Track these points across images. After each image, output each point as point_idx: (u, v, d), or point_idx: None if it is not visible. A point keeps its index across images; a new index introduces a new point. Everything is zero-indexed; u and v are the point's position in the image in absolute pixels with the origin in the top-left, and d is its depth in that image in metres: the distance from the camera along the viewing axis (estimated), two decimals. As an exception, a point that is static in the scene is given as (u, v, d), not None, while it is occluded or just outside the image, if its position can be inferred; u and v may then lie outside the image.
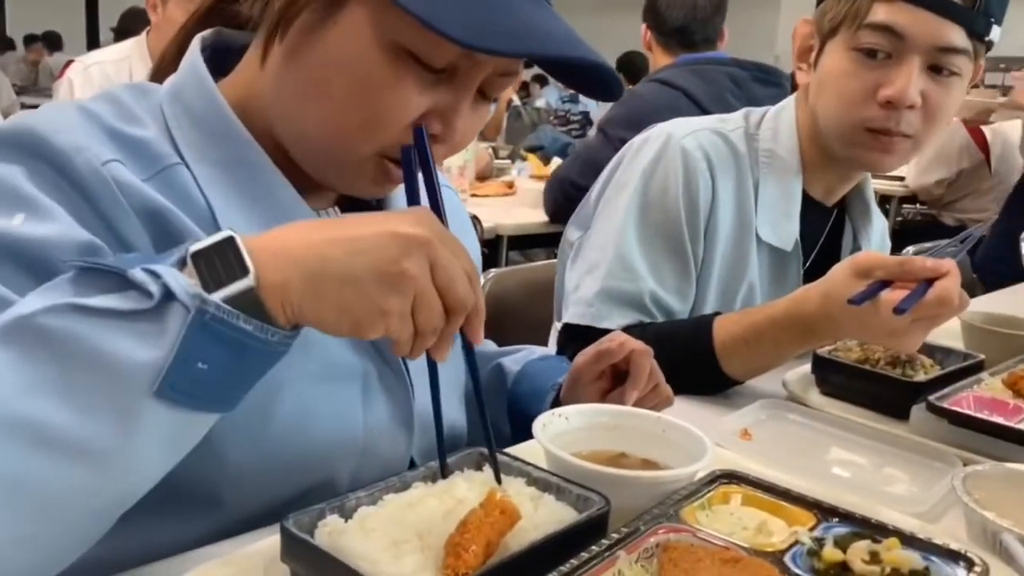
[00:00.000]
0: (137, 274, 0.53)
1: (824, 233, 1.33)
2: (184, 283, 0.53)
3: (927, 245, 2.24)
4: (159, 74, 0.83)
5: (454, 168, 2.80)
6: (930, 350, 1.18)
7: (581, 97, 6.65)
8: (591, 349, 0.93)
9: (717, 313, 1.16)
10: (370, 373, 0.80)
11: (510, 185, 3.25)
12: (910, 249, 2.14)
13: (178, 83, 0.78)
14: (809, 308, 1.04)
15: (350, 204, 0.86)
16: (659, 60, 2.50)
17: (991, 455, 0.91)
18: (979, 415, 0.97)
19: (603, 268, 1.23)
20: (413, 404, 0.84)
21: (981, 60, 1.16)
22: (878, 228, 1.39)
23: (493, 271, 1.55)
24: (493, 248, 2.65)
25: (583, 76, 0.74)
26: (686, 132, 1.26)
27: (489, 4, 0.67)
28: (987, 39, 1.12)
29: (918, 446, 0.95)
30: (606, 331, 1.15)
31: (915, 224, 4.26)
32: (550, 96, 6.59)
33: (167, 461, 0.58)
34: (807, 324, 1.05)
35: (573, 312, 1.25)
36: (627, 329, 1.15)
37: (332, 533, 0.60)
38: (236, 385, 0.58)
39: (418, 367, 0.84)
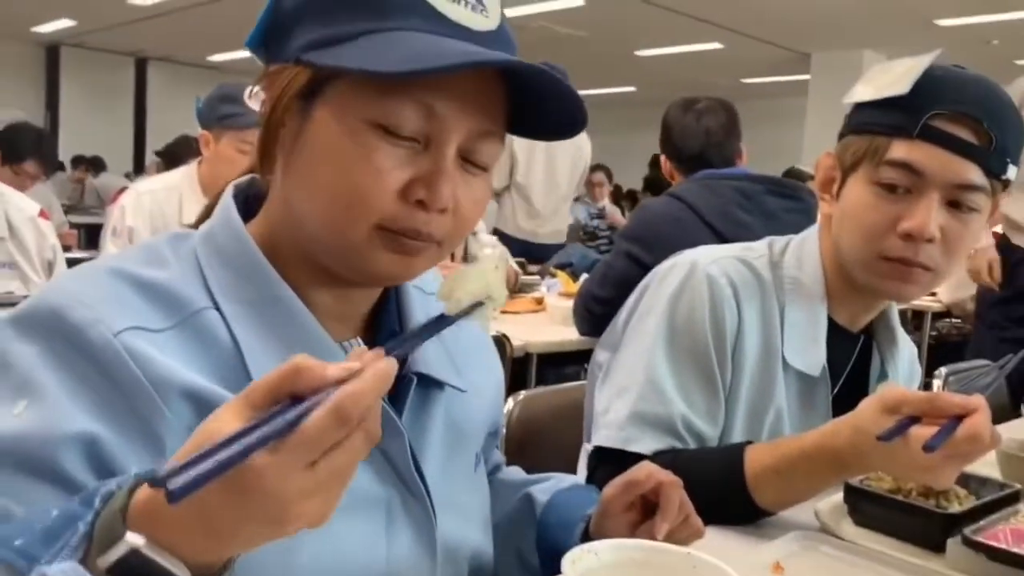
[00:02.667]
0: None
1: (852, 360, 1.33)
2: None
3: (962, 366, 2.22)
4: (203, 220, 0.88)
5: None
6: (965, 479, 1.16)
7: (606, 212, 6.77)
8: (619, 480, 0.94)
9: (749, 442, 1.17)
10: (394, 501, 0.82)
11: (539, 301, 3.28)
12: (943, 370, 2.12)
13: (211, 226, 0.83)
14: (840, 442, 1.04)
15: (374, 332, 0.88)
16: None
17: (1031, 592, 0.89)
18: (1017, 550, 0.95)
19: (634, 391, 1.24)
20: (436, 531, 0.84)
21: (1000, 195, 1.19)
22: (906, 355, 1.40)
23: (522, 393, 1.56)
24: (523, 366, 2.66)
25: (551, 112, 0.78)
26: (711, 259, 1.29)
27: (416, 45, 0.71)
28: (1004, 177, 1.16)
29: (955, 582, 0.94)
30: (637, 455, 1.18)
31: (951, 340, 4.22)
32: (579, 213, 6.72)
33: None
34: (838, 458, 1.05)
35: (604, 435, 1.26)
36: (657, 457, 1.16)
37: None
38: None
39: (441, 495, 0.86)
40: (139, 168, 11.43)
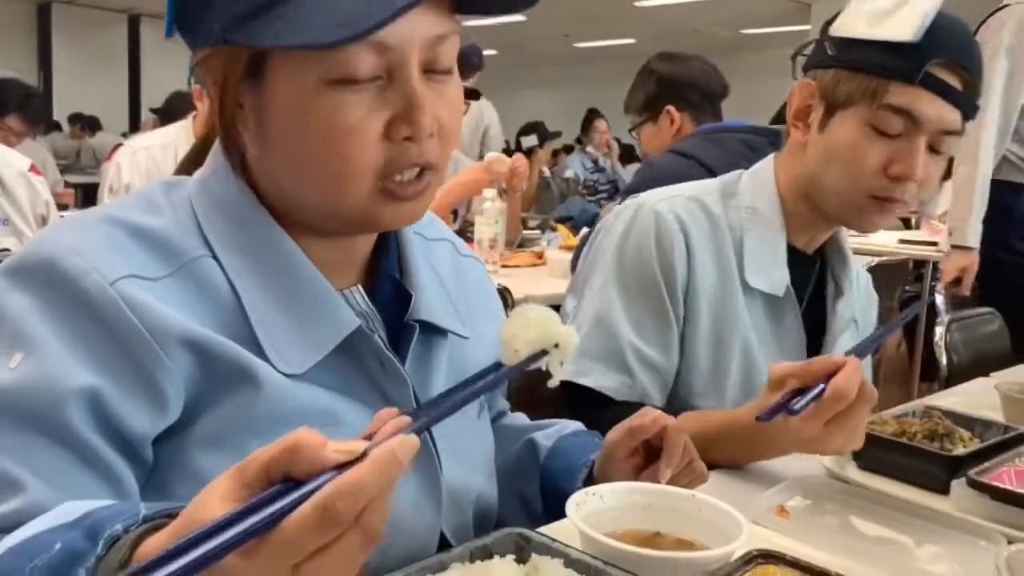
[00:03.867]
0: None
1: (811, 283, 1.37)
2: None
3: (965, 313, 2.22)
4: (185, 168, 0.87)
5: (484, 241, 2.84)
6: (969, 422, 1.17)
7: (608, 167, 6.73)
8: (623, 425, 0.93)
9: (686, 409, 1.21)
10: None
11: (540, 255, 3.28)
12: (946, 318, 2.11)
13: (204, 174, 0.81)
14: (746, 421, 1.05)
15: (376, 279, 0.87)
16: (670, 143, 2.57)
17: (1035, 532, 0.89)
18: (1022, 491, 0.95)
19: (584, 328, 1.29)
20: (441, 479, 0.84)
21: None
22: (862, 280, 1.44)
23: (524, 344, 1.56)
24: (524, 319, 2.66)
25: None
26: (659, 198, 1.33)
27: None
28: (971, 119, 1.21)
29: (960, 523, 0.94)
30: (595, 392, 1.24)
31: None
32: (576, 166, 6.68)
33: None
34: (746, 436, 1.08)
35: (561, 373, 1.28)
36: (606, 411, 1.19)
37: (369, 616, 0.60)
38: None
39: (446, 441, 0.85)
40: (135, 126, 11.31)
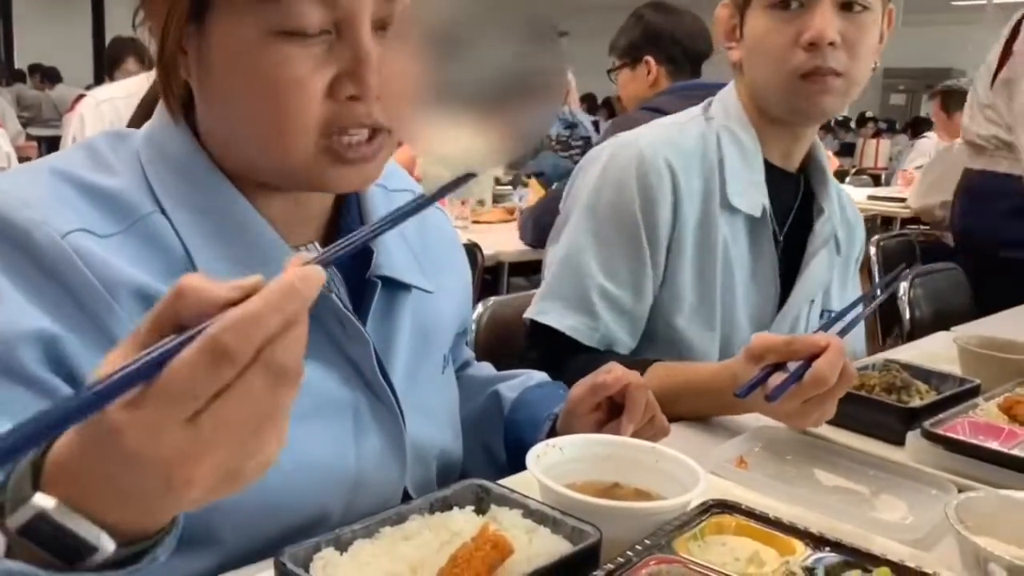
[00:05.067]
0: None
1: (796, 203, 1.37)
2: None
3: (928, 268, 2.24)
4: (138, 120, 0.85)
5: (455, 197, 2.82)
6: (926, 375, 1.19)
7: (581, 121, 6.67)
8: (586, 381, 0.94)
9: (657, 359, 1.20)
10: (361, 406, 0.81)
11: (511, 211, 3.27)
12: (908, 272, 2.13)
13: (153, 128, 0.79)
14: (722, 385, 1.05)
15: (334, 235, 0.86)
16: (647, 95, 2.55)
17: (987, 481, 0.92)
18: (974, 441, 0.97)
19: (553, 268, 1.30)
20: (405, 435, 0.84)
21: (888, 2, 1.26)
22: (845, 201, 1.45)
23: (492, 299, 1.56)
24: (495, 275, 2.66)
25: None
26: (641, 137, 1.32)
27: None
28: None
29: (914, 472, 0.96)
30: (554, 331, 1.25)
31: (921, 245, 4.27)
32: (552, 121, 6.63)
33: None
34: (720, 399, 1.08)
35: (528, 310, 1.31)
36: (572, 358, 1.21)
37: (327, 566, 0.61)
38: None
39: (408, 399, 0.86)
40: (99, 78, 11.07)
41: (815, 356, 0.95)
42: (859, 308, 1.19)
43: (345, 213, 0.87)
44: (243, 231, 0.77)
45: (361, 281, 0.85)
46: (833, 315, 1.15)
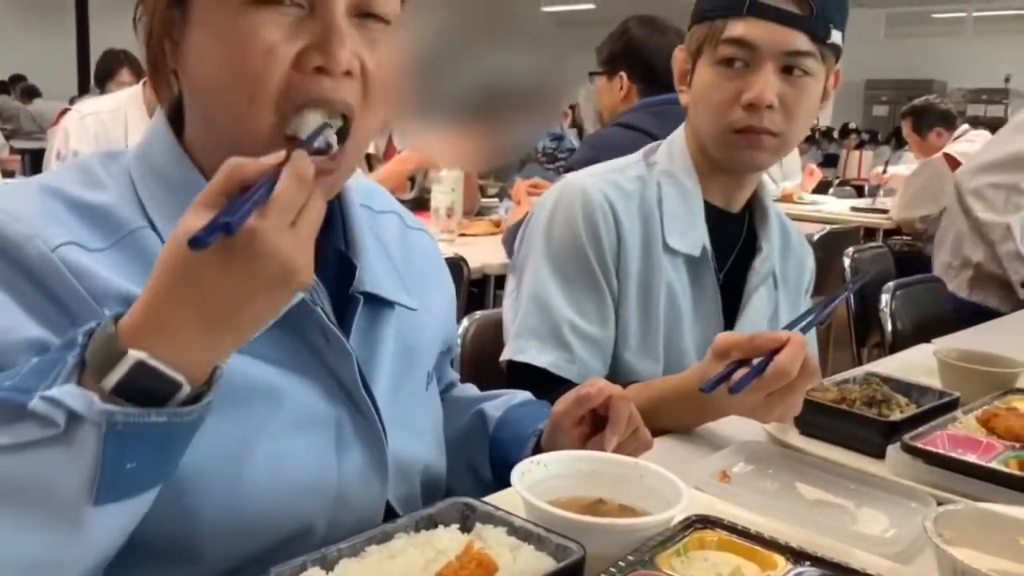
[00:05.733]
0: (38, 406, 0.56)
1: (740, 239, 1.41)
2: (87, 401, 0.57)
3: (909, 280, 2.27)
4: None
5: (441, 209, 2.83)
6: (906, 388, 1.21)
7: (567, 135, 6.71)
8: (570, 395, 0.95)
9: (633, 382, 1.22)
10: (343, 421, 0.82)
11: (497, 224, 3.27)
12: (890, 284, 2.16)
13: (144, 145, 0.81)
14: (691, 386, 1.08)
15: (320, 252, 0.86)
16: (619, 108, 2.56)
17: (965, 494, 0.93)
18: (952, 454, 0.99)
19: (522, 307, 1.33)
20: (387, 450, 0.85)
21: (833, 64, 1.30)
22: (793, 239, 1.48)
23: (478, 314, 1.57)
24: (481, 287, 2.67)
25: None
26: (584, 176, 1.37)
27: None
28: (829, 42, 1.26)
29: (894, 486, 0.97)
30: (536, 368, 1.26)
31: (901, 256, 4.31)
32: (537, 133, 6.66)
33: (127, 531, 0.62)
34: (692, 401, 1.10)
35: (504, 351, 1.34)
36: (549, 385, 1.22)
37: (313, 586, 0.61)
38: (169, 461, 0.62)
39: (391, 414, 0.86)
40: (84, 90, 11.02)
41: (777, 351, 0.99)
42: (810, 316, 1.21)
43: (329, 231, 0.88)
44: None
45: (345, 297, 0.86)
46: (787, 324, 1.17)
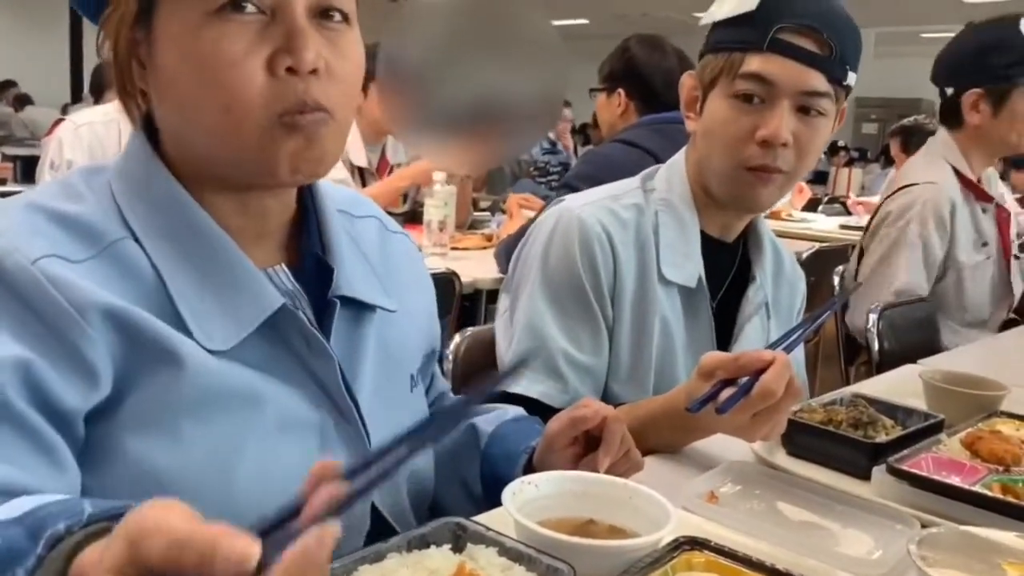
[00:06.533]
0: None
1: (733, 270, 1.41)
2: None
3: (898, 301, 2.29)
4: None
5: (434, 223, 2.84)
6: (892, 410, 1.22)
7: (560, 148, 6.74)
8: (565, 415, 0.96)
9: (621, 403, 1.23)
10: (327, 425, 0.83)
11: (489, 238, 3.28)
12: (878, 305, 2.18)
13: (123, 160, 0.82)
14: (678, 406, 1.09)
15: (298, 258, 0.88)
16: (618, 124, 2.59)
17: (949, 516, 0.94)
18: (936, 477, 1.00)
19: (516, 336, 1.32)
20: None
21: (843, 103, 1.30)
22: (787, 266, 1.48)
23: (469, 330, 1.58)
24: (473, 302, 2.67)
25: None
26: (581, 204, 1.36)
27: None
28: (845, 83, 1.27)
29: (879, 508, 0.98)
30: (530, 399, 1.25)
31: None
32: (531, 148, 6.68)
33: None
34: (680, 421, 1.11)
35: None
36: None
37: (306, 605, 0.62)
38: None
39: (375, 418, 0.87)
40: (76, 98, 11.00)
41: (762, 371, 1.00)
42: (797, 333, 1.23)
43: (305, 235, 0.89)
44: (213, 254, 0.79)
45: (325, 301, 0.87)
46: (774, 341, 1.18)
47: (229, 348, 0.76)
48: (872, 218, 2.41)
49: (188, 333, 0.75)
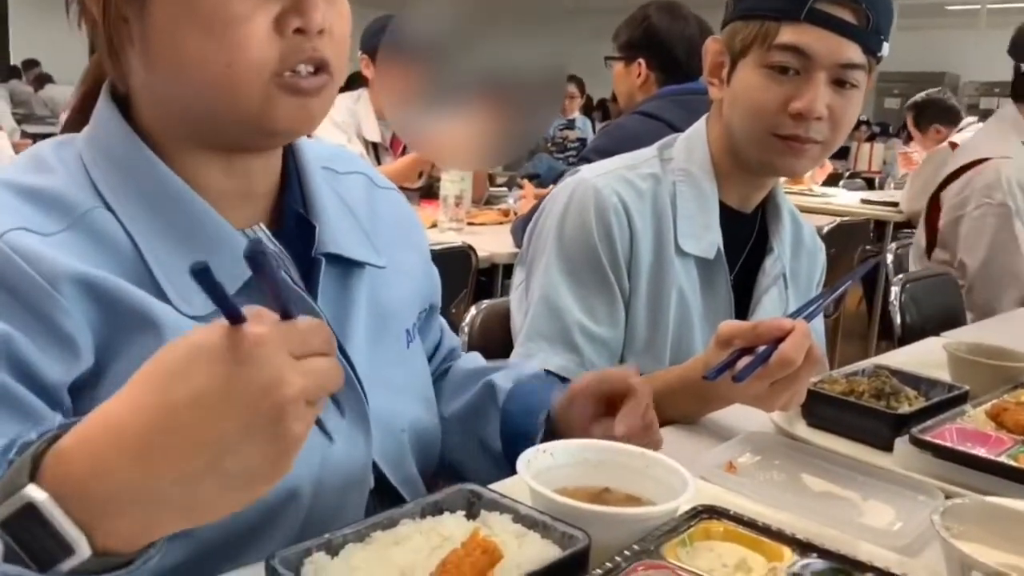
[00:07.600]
0: None
1: (750, 240, 1.39)
2: None
3: (919, 274, 2.26)
4: (72, 126, 0.85)
5: (450, 198, 2.82)
6: (915, 381, 1.20)
7: (577, 123, 6.70)
8: (594, 373, 0.96)
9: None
10: None
11: (506, 213, 3.27)
12: (901, 277, 2.15)
13: (92, 127, 0.81)
14: (695, 376, 1.08)
15: (281, 218, 0.87)
16: (637, 95, 2.55)
17: (973, 488, 0.93)
18: (961, 448, 0.98)
19: (531, 310, 1.31)
20: (367, 407, 0.85)
21: (874, 73, 1.28)
22: (806, 237, 1.46)
23: (485, 302, 1.57)
24: (490, 277, 2.66)
25: None
26: (597, 174, 1.33)
27: None
28: (879, 55, 1.24)
29: (902, 479, 0.97)
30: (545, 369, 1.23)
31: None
32: (547, 123, 6.65)
33: None
34: (696, 391, 1.10)
35: (513, 354, 1.33)
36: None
37: (318, 570, 0.62)
38: None
39: (370, 374, 0.87)
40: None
41: (781, 339, 0.98)
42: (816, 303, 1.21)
43: (287, 194, 0.88)
44: (186, 217, 0.78)
45: (310, 259, 0.86)
46: (796, 308, 1.16)
47: (208, 313, 0.75)
48: (938, 192, 2.38)
49: (166, 299, 0.74)
